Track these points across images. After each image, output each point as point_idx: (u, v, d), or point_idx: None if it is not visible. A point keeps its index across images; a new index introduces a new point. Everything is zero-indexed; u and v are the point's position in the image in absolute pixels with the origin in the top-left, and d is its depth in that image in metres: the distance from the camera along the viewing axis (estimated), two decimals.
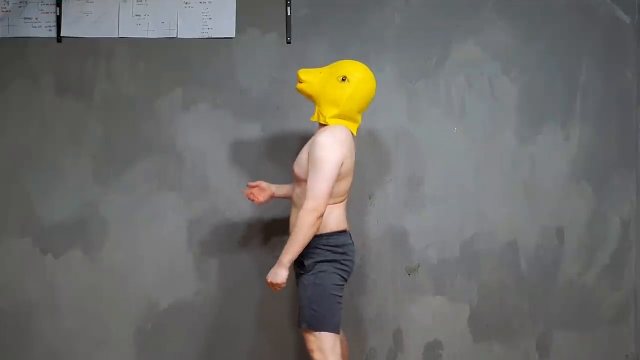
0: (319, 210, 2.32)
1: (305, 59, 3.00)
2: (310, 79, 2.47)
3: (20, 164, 3.00)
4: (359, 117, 2.50)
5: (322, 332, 2.36)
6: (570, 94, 3.09)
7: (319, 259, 2.38)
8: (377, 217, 3.03)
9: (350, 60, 2.51)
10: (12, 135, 3.01)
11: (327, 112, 2.43)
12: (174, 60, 3.02)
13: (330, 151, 2.35)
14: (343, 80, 2.41)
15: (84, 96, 3.01)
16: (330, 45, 3.02)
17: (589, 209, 3.08)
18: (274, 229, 2.99)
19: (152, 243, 3.00)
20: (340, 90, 2.41)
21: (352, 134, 2.47)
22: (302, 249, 2.35)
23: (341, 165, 2.37)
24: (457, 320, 3.05)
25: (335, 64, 2.50)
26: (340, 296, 2.41)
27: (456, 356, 3.04)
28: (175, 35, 3.02)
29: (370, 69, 2.50)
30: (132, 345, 2.99)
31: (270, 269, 2.40)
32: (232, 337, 3.01)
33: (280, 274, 2.35)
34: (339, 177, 2.38)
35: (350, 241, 2.48)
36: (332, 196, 2.38)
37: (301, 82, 2.49)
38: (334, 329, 2.38)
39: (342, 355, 2.59)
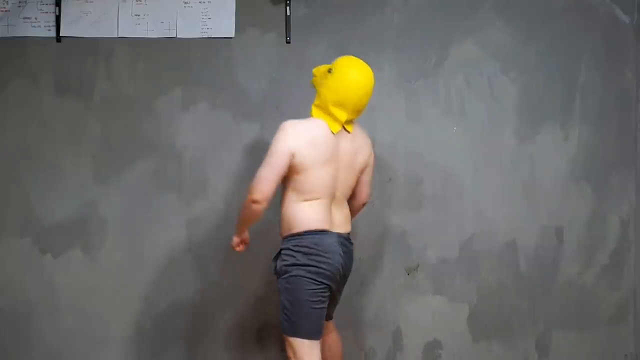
0: (252, 194, 2.30)
1: (305, 59, 3.01)
2: (317, 73, 2.49)
3: (19, 164, 3.01)
4: (337, 112, 2.35)
5: (296, 338, 2.28)
6: (569, 94, 3.08)
7: (290, 261, 2.31)
8: (377, 217, 3.03)
9: (349, 56, 2.45)
10: (12, 135, 3.01)
11: (314, 102, 2.45)
12: (174, 60, 3.02)
13: (279, 137, 2.31)
14: (329, 71, 2.40)
15: (84, 96, 3.01)
16: (329, 45, 3.02)
17: (589, 209, 3.08)
18: (274, 228, 2.98)
19: (152, 243, 3.00)
20: (325, 81, 2.40)
21: (329, 129, 2.36)
22: (243, 227, 2.46)
23: (292, 156, 2.28)
24: (456, 320, 3.05)
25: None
26: (316, 301, 2.29)
27: (455, 356, 3.04)
28: (174, 35, 3.02)
29: (367, 67, 2.41)
30: (132, 345, 3.00)
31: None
32: (231, 337, 3.01)
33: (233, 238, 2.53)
34: (295, 169, 2.30)
35: (333, 241, 2.33)
36: (297, 192, 2.34)
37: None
38: (309, 336, 2.28)
39: (336, 355, 2.59)
